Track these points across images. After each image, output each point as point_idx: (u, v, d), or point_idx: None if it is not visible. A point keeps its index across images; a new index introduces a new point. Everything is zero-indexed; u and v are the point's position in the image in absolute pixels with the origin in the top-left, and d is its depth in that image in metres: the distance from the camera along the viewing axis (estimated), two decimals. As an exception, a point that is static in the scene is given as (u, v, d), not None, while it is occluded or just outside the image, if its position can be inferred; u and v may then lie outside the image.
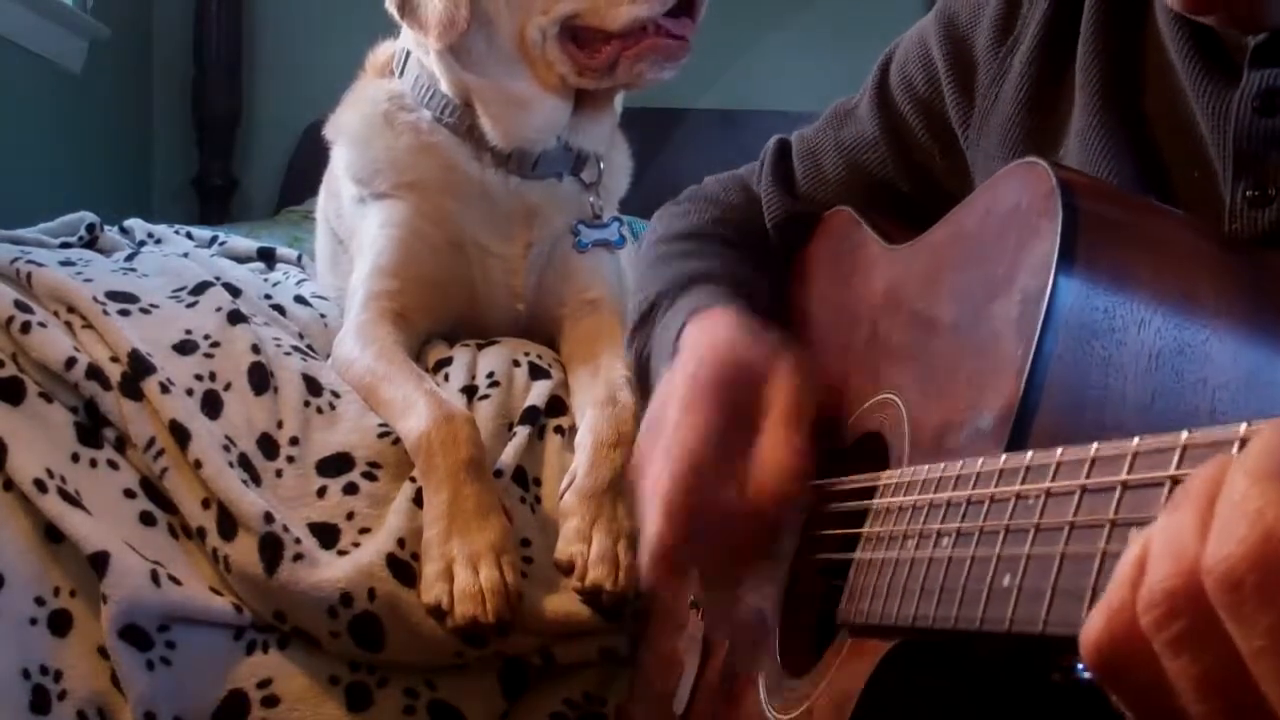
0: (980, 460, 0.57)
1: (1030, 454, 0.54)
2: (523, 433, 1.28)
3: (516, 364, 1.37)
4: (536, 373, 1.36)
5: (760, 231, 1.09)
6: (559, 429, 1.31)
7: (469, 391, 1.33)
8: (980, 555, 0.54)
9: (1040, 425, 0.59)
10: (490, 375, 1.34)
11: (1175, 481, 0.44)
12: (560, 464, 1.28)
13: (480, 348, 1.41)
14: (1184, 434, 0.44)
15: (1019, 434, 0.59)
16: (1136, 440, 0.47)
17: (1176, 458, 0.44)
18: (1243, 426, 0.41)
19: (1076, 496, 0.49)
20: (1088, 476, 0.49)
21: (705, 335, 0.88)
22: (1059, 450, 0.52)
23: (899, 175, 1.00)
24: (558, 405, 1.33)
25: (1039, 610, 0.49)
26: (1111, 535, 0.46)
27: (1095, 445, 0.49)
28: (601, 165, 1.55)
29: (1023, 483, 0.53)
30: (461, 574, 1.14)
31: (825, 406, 0.86)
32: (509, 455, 1.26)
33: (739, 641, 0.89)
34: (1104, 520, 0.47)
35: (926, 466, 0.64)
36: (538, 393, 1.33)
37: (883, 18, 3.06)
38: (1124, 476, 0.47)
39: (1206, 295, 0.63)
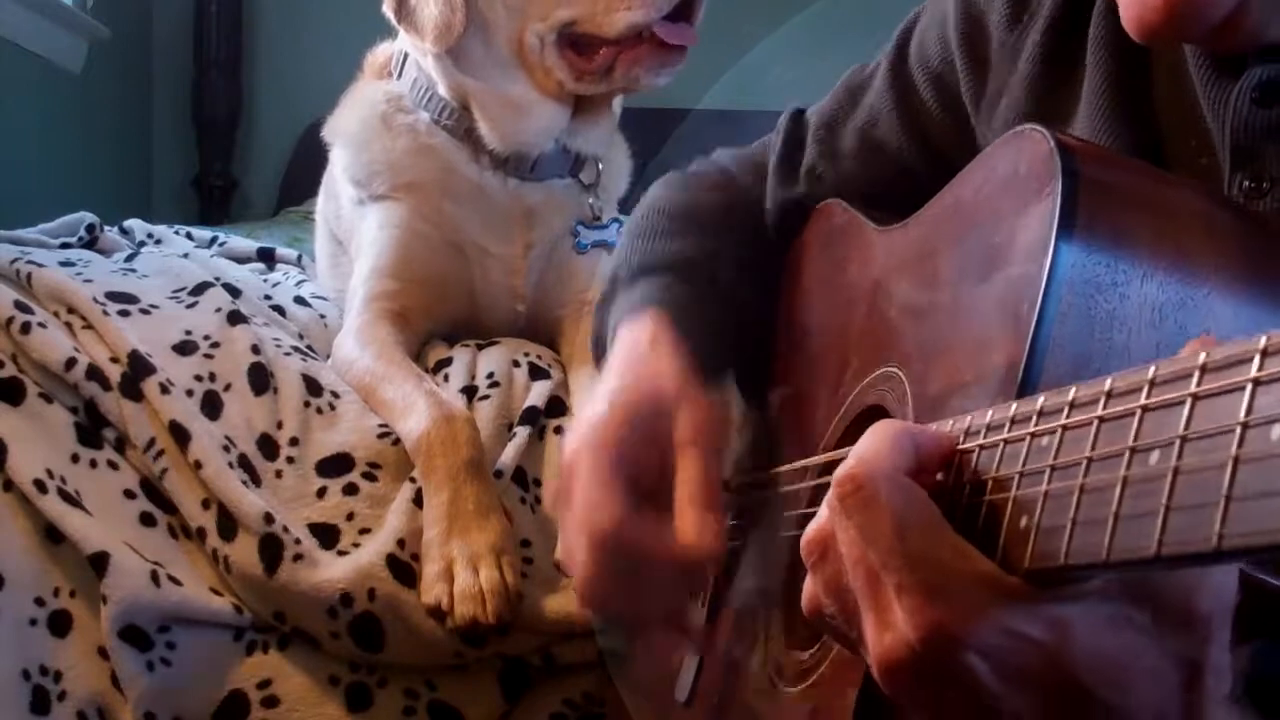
0: (989, 411, 0.58)
1: (1041, 398, 0.54)
2: (523, 433, 1.28)
3: (516, 364, 1.37)
4: (536, 373, 1.36)
5: (759, 215, 1.08)
6: (559, 429, 1.31)
7: (469, 392, 1.33)
8: (993, 500, 0.55)
9: (1046, 381, 0.59)
10: (490, 376, 1.34)
11: (1195, 399, 0.45)
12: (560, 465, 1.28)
13: (480, 348, 1.42)
14: (1202, 355, 0.46)
15: (1025, 390, 0.59)
16: (1151, 368, 0.48)
17: (1196, 378, 0.46)
18: (1262, 339, 0.44)
19: (1093, 429, 0.50)
20: (1104, 408, 0.50)
21: (625, 350, 0.92)
22: (1072, 389, 0.52)
23: (912, 151, 0.99)
24: (558, 405, 1.33)
25: (1059, 544, 0.50)
26: (1132, 461, 0.47)
27: (1109, 379, 0.50)
28: (600, 166, 1.55)
29: (1035, 424, 0.54)
30: (461, 574, 1.14)
31: (822, 391, 0.87)
32: (509, 456, 1.26)
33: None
34: (1123, 449, 0.48)
35: (934, 425, 0.64)
36: (538, 393, 1.33)
37: (882, 18, 3.06)
38: (1142, 401, 0.48)
39: (1207, 253, 0.63)
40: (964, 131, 0.94)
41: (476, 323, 1.51)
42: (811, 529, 0.60)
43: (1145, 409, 0.48)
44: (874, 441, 0.58)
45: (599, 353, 1.04)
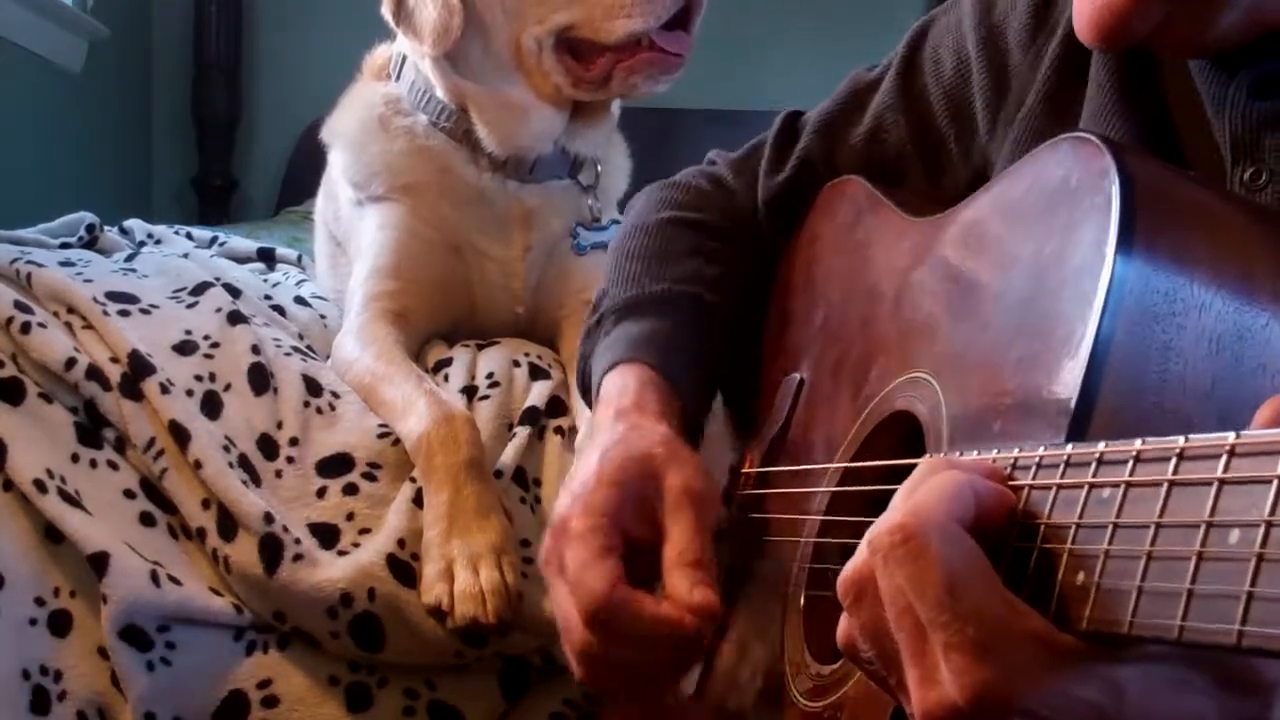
0: (1040, 448, 0.56)
1: (1102, 444, 0.52)
2: (523, 433, 1.28)
3: (516, 364, 1.37)
4: (536, 373, 1.36)
5: (750, 217, 1.08)
6: (559, 430, 1.31)
7: (469, 392, 1.33)
8: (1047, 549, 0.53)
9: (1101, 412, 0.57)
10: (490, 376, 1.34)
11: None
12: (560, 465, 1.28)
13: (480, 348, 1.42)
14: None
15: (1080, 421, 0.57)
16: (1232, 436, 0.46)
17: None
18: None
19: (1163, 492, 0.47)
20: (1175, 472, 0.47)
21: (610, 410, 0.91)
22: (1137, 442, 0.50)
23: (912, 157, 0.99)
24: (558, 406, 1.33)
25: (1124, 610, 0.48)
26: (1208, 536, 0.45)
27: (1179, 439, 0.48)
28: (599, 168, 1.55)
29: (1095, 473, 0.51)
30: (462, 574, 1.14)
31: (842, 386, 0.86)
32: (509, 456, 1.26)
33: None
34: (1198, 521, 0.45)
35: (976, 451, 0.62)
36: (538, 393, 1.33)
37: (882, 18, 3.06)
38: (1219, 474, 0.45)
39: (1265, 277, 0.61)
40: (970, 147, 0.94)
41: (476, 324, 1.51)
42: (850, 569, 0.57)
43: (1223, 481, 0.45)
44: (930, 490, 0.55)
45: (584, 388, 1.03)
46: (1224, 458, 0.45)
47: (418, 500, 1.20)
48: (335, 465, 1.24)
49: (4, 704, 1.09)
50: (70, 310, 1.27)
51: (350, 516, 1.21)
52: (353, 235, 1.55)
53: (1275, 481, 0.43)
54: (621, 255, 1.06)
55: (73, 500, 1.15)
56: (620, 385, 0.93)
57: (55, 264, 1.35)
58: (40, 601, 1.13)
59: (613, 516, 0.82)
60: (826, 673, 0.76)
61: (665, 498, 0.83)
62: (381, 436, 1.26)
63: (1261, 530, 0.43)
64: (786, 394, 0.95)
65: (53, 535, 1.14)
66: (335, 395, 1.31)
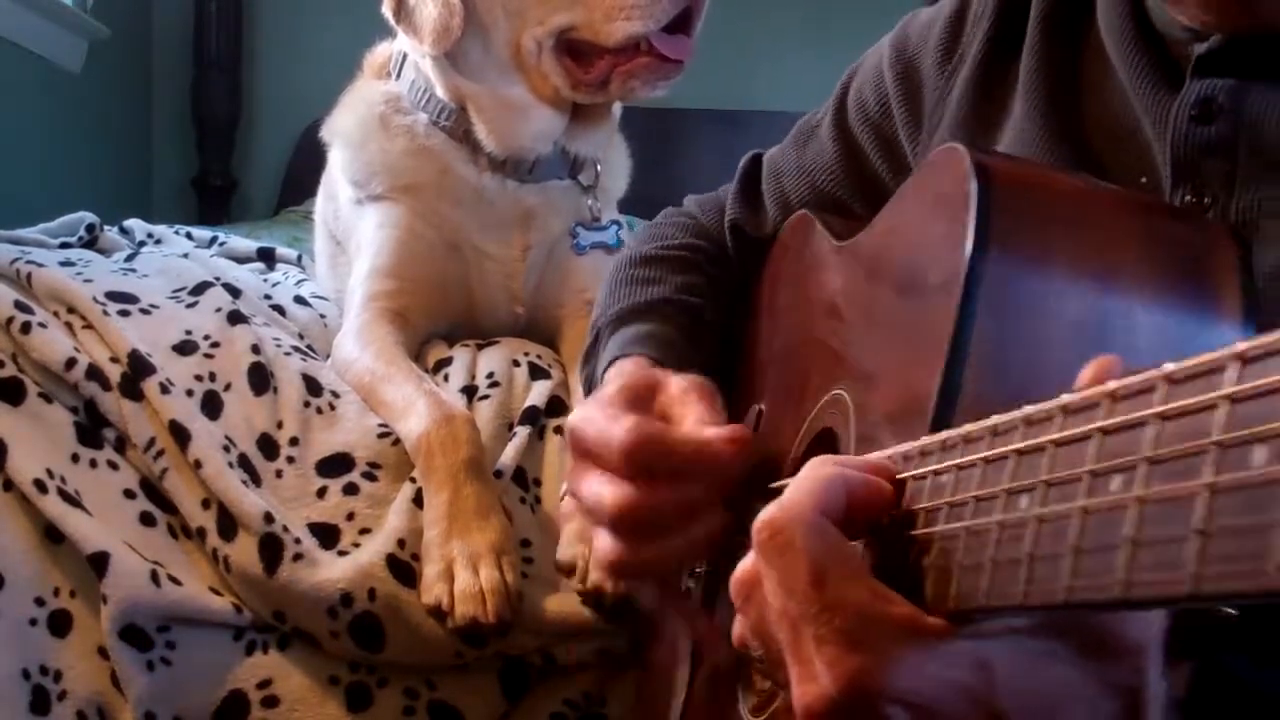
0: (922, 440, 0.57)
1: (968, 426, 0.53)
2: (523, 433, 1.28)
3: (516, 364, 1.37)
4: (536, 373, 1.36)
5: (723, 245, 1.11)
6: (559, 429, 1.31)
7: (469, 392, 1.33)
8: (920, 534, 0.54)
9: (963, 405, 0.59)
10: (490, 375, 1.34)
11: (1164, 419, 0.42)
12: (561, 464, 1.28)
13: (480, 348, 1.42)
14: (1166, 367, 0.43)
15: (942, 416, 0.59)
16: (1064, 398, 0.46)
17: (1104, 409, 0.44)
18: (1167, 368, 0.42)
19: (1011, 462, 0.49)
20: (1022, 440, 0.48)
21: (615, 376, 0.92)
22: (993, 418, 0.51)
23: (855, 198, 1.01)
24: (558, 405, 1.33)
25: (979, 584, 0.48)
26: (1048, 496, 0.46)
27: (1025, 407, 0.49)
28: (599, 168, 1.55)
29: (961, 454, 0.52)
30: (462, 574, 1.14)
31: (788, 410, 0.88)
32: (509, 455, 1.26)
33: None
34: (1034, 483, 0.46)
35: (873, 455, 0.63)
36: (538, 393, 1.33)
37: (882, 19, 3.06)
38: (1054, 436, 0.46)
39: (1129, 264, 0.63)
40: (901, 177, 0.96)
41: (475, 324, 1.51)
42: (740, 570, 0.59)
43: (1056, 443, 0.46)
44: (800, 484, 0.57)
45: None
46: (1059, 418, 0.46)
47: (418, 500, 1.20)
48: (335, 465, 1.24)
49: (4, 704, 1.09)
50: (70, 310, 1.27)
51: (350, 516, 1.21)
52: (352, 234, 1.55)
53: (1097, 435, 0.44)
54: (613, 284, 1.08)
55: (73, 500, 1.15)
56: (623, 365, 0.94)
57: (55, 264, 1.35)
58: (40, 601, 1.13)
59: (626, 400, 0.82)
60: (766, 688, 0.78)
61: (671, 397, 0.83)
62: (381, 436, 1.26)
63: (1085, 483, 0.43)
64: (749, 426, 0.96)
65: (53, 535, 1.14)
66: (335, 395, 1.31)
